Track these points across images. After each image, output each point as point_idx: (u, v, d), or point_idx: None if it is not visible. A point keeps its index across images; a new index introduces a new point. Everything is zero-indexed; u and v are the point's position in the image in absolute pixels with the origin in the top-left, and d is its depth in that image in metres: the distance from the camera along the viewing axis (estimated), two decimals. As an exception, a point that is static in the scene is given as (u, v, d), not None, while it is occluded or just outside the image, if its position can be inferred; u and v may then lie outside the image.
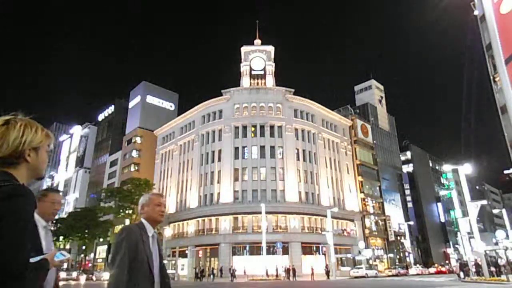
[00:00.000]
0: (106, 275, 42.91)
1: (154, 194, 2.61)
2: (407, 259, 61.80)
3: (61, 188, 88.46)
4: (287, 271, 35.93)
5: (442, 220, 77.48)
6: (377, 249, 56.64)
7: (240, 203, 45.68)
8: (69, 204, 78.04)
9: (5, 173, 1.25)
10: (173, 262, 45.54)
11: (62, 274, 42.35)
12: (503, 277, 24.27)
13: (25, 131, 1.32)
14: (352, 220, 52.86)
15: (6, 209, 1.13)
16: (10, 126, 1.31)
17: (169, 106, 76.36)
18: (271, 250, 40.45)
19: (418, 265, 56.40)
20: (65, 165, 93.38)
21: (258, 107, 51.13)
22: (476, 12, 23.64)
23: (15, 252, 1.12)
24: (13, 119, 1.33)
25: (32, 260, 1.34)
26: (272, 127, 49.94)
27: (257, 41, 59.80)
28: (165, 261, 2.72)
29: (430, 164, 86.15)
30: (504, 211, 52.00)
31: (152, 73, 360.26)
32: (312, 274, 36.03)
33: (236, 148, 48.98)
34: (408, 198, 71.84)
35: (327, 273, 37.72)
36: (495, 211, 71.19)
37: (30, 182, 1.43)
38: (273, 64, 57.35)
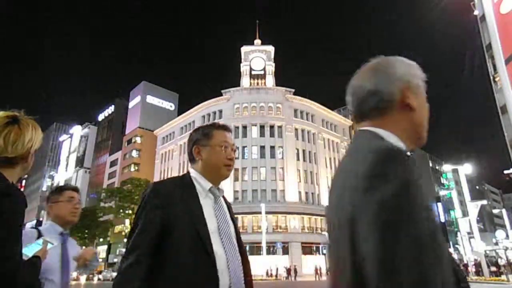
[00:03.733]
0: (107, 275, 42.97)
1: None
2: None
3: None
4: (289, 271, 35.88)
5: (442, 220, 77.20)
6: (377, 249, 56.56)
7: (240, 203, 45.60)
8: (69, 204, 77.92)
9: None
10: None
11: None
12: (503, 277, 24.24)
13: (36, 133, 1.32)
14: (352, 220, 52.78)
15: None
16: (22, 127, 1.28)
17: (169, 106, 76.41)
18: (271, 250, 40.44)
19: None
20: (65, 165, 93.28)
21: (258, 107, 51.13)
22: (476, 12, 23.65)
23: (6, 252, 1.12)
24: (22, 118, 1.31)
25: (24, 255, 1.34)
26: (272, 127, 49.93)
27: (257, 41, 59.83)
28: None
29: (430, 164, 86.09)
30: (504, 211, 52.03)
31: (152, 73, 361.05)
32: (316, 273, 35.83)
33: (236, 148, 48.92)
34: (408, 198, 71.63)
35: (327, 272, 37.55)
36: (495, 211, 71.14)
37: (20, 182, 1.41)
38: (273, 64, 57.38)
